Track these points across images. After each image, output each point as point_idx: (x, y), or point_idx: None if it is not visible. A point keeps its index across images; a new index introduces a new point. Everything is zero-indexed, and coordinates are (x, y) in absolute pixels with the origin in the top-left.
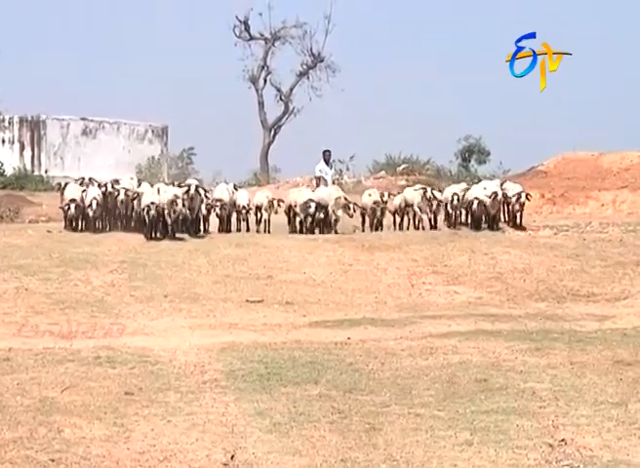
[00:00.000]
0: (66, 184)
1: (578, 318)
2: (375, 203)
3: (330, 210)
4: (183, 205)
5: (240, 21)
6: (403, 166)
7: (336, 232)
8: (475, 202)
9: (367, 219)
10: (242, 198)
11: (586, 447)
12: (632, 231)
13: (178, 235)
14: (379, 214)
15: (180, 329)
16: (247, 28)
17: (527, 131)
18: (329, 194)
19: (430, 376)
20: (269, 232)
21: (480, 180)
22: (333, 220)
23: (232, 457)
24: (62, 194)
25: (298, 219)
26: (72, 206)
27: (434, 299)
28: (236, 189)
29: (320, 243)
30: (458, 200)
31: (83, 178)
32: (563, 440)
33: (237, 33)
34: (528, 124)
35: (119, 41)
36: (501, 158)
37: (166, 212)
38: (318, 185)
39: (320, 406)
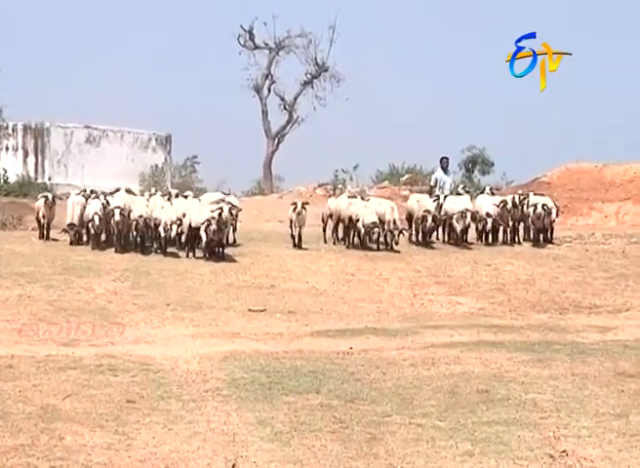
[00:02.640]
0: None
1: (580, 329)
2: (426, 211)
3: (386, 227)
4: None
5: (245, 30)
6: (406, 176)
7: (391, 248)
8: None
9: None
10: None
11: (587, 458)
12: (635, 243)
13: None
14: (429, 223)
15: (183, 337)
16: (251, 37)
17: (530, 142)
18: (384, 212)
19: (432, 387)
20: (300, 247)
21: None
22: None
23: (234, 466)
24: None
25: (345, 230)
26: (71, 233)
27: (437, 310)
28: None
29: (323, 252)
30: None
31: (84, 190)
32: (564, 451)
33: (242, 42)
34: (531, 135)
35: (123, 49)
36: (505, 169)
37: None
38: (432, 194)
39: (322, 415)
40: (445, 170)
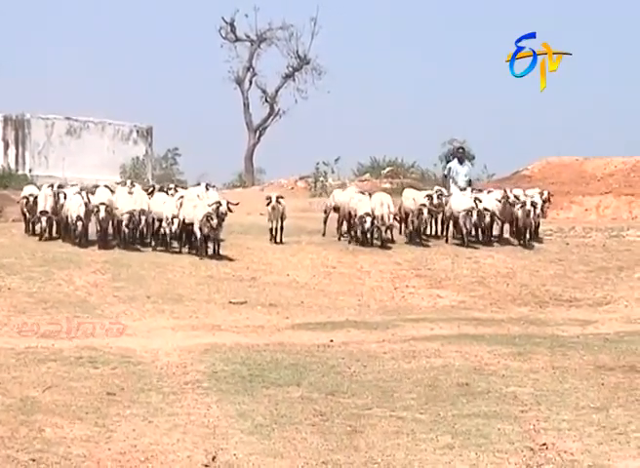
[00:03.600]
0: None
1: (560, 323)
2: (422, 205)
3: (375, 222)
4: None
5: (226, 23)
6: (387, 169)
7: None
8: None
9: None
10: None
11: (567, 451)
12: (615, 236)
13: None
14: (426, 219)
15: (163, 329)
16: (233, 30)
17: (511, 135)
18: (374, 207)
19: (412, 380)
20: (281, 241)
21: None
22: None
23: (213, 459)
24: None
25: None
26: (43, 219)
27: (417, 303)
28: (207, 188)
29: (304, 245)
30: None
31: (52, 185)
32: (544, 444)
33: (223, 34)
34: (512, 128)
35: (105, 41)
36: (486, 162)
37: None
38: (445, 186)
39: (302, 408)
40: (460, 160)
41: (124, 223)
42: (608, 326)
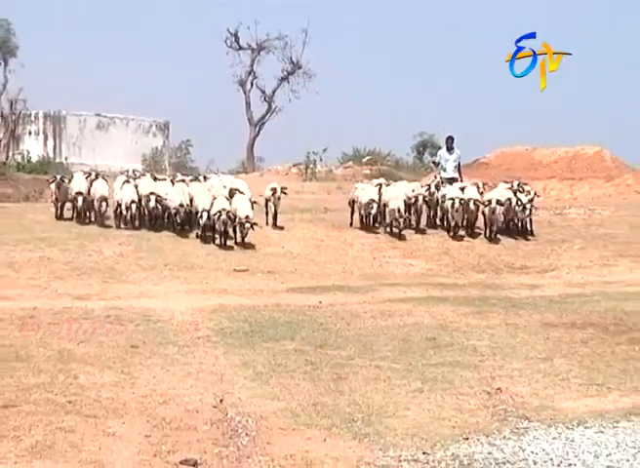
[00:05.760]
0: (66, 178)
1: (512, 287)
2: (418, 194)
3: (387, 210)
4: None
5: (231, 34)
6: (367, 157)
7: (391, 231)
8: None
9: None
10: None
11: (518, 394)
12: (559, 214)
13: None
14: (420, 204)
15: (178, 293)
16: (236, 40)
17: (472, 128)
18: (388, 200)
19: (388, 335)
20: (275, 225)
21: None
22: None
23: (221, 401)
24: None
25: (358, 214)
26: (80, 199)
27: (392, 270)
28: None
29: (297, 222)
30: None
31: (89, 173)
32: (499, 388)
33: (228, 44)
34: (474, 122)
35: (130, 48)
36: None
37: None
38: (435, 169)
39: (295, 358)
40: (449, 148)
41: (172, 211)
42: (552, 289)
